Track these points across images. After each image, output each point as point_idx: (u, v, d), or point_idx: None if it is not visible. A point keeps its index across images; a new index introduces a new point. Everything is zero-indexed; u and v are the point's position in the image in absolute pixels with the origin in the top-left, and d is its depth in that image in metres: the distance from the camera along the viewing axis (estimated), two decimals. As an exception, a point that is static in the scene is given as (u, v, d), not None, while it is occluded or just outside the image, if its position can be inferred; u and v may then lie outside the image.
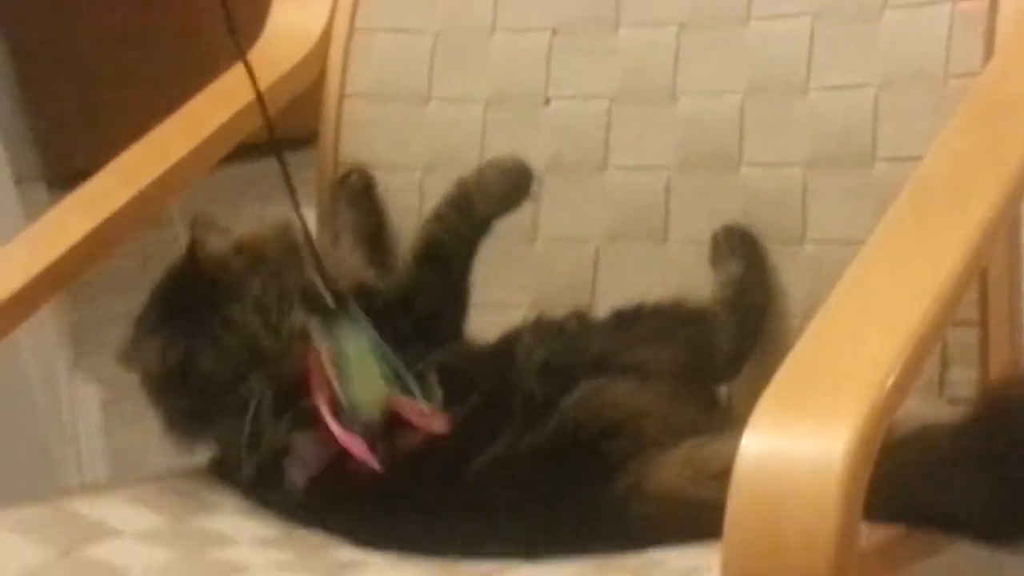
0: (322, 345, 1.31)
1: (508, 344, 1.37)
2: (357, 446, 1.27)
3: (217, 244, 1.40)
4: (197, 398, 1.37)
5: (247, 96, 1.40)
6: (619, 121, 1.51)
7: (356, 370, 1.30)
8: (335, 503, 1.32)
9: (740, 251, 1.43)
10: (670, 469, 1.24)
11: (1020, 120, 1.24)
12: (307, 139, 1.69)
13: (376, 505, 1.30)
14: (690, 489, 1.22)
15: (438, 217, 1.46)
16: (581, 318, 1.40)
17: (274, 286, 1.37)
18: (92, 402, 2.57)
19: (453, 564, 1.25)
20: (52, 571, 1.24)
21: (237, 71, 1.60)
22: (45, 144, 3.32)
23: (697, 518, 1.18)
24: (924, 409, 1.29)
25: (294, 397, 1.31)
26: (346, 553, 1.30)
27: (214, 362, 1.36)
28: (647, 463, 1.24)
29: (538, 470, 1.26)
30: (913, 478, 1.16)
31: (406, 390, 1.30)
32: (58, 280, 1.44)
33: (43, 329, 2.38)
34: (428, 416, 1.29)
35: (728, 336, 1.40)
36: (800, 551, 0.90)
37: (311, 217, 1.65)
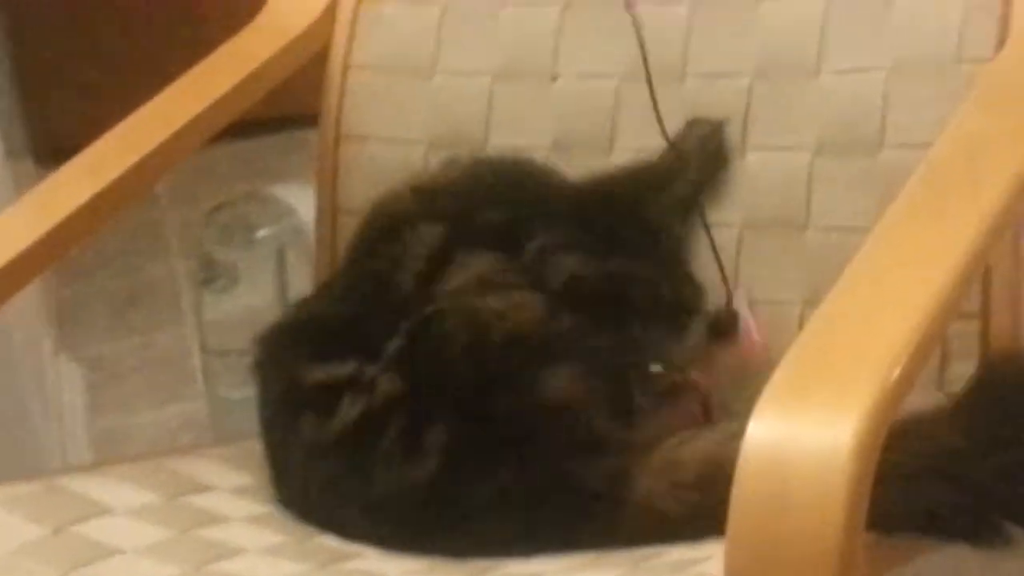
0: None
1: None
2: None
3: None
4: None
5: (247, 68, 1.39)
6: (626, 100, 1.50)
7: None
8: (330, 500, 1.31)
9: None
10: (647, 479, 1.22)
11: (1033, 107, 1.23)
12: (305, 118, 1.68)
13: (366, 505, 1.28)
14: (669, 503, 1.20)
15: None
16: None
17: None
18: (77, 382, 2.56)
19: (443, 560, 1.24)
20: (44, 548, 1.23)
21: (236, 43, 1.59)
22: (34, 119, 3.30)
23: (679, 531, 1.17)
24: (923, 403, 1.28)
25: None
26: (338, 541, 1.29)
27: None
28: (627, 468, 1.22)
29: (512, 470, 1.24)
30: (902, 482, 1.15)
31: None
32: (56, 249, 1.42)
33: (29, 307, 2.36)
34: None
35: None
36: (806, 541, 0.89)
37: (309, 195, 1.64)
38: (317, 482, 1.30)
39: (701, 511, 1.17)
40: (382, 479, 1.25)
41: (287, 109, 1.99)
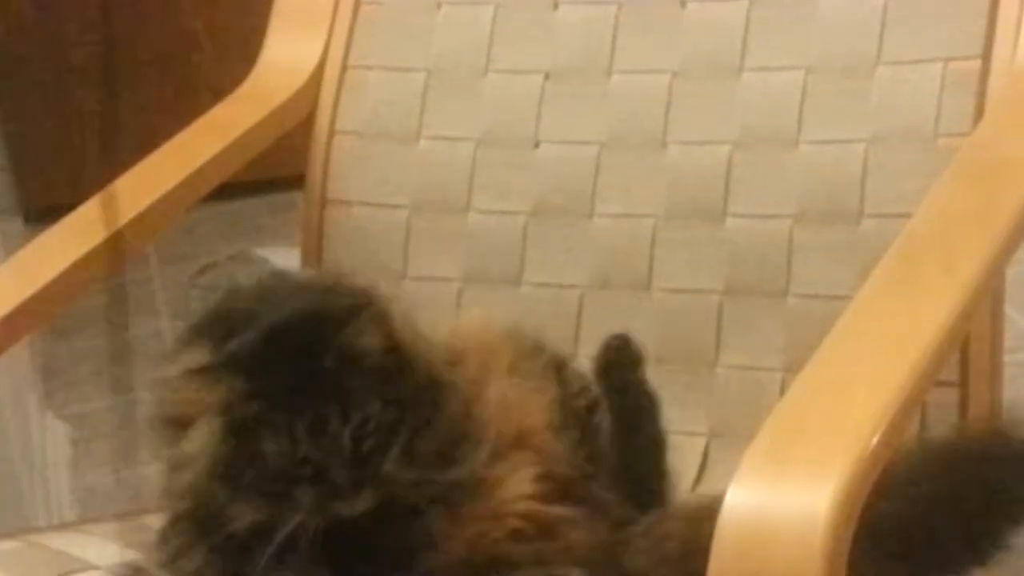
0: None
1: None
2: None
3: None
4: None
5: (236, 131, 1.40)
6: (608, 168, 1.51)
7: None
8: None
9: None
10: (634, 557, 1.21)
11: (1009, 182, 1.24)
12: (294, 180, 1.69)
13: None
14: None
15: None
16: None
17: None
18: (61, 439, 2.56)
19: None
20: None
21: (226, 106, 1.60)
22: (23, 178, 3.31)
23: None
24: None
25: None
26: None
27: None
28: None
29: None
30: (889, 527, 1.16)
31: None
32: (44, 309, 1.42)
33: (15, 363, 2.37)
34: None
35: None
36: (784, 608, 0.89)
37: (294, 257, 1.65)
38: None
39: None
40: None
41: (274, 172, 2.00)
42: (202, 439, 1.12)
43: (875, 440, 0.97)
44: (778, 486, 0.96)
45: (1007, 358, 1.40)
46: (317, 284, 1.26)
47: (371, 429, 1.10)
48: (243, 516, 1.10)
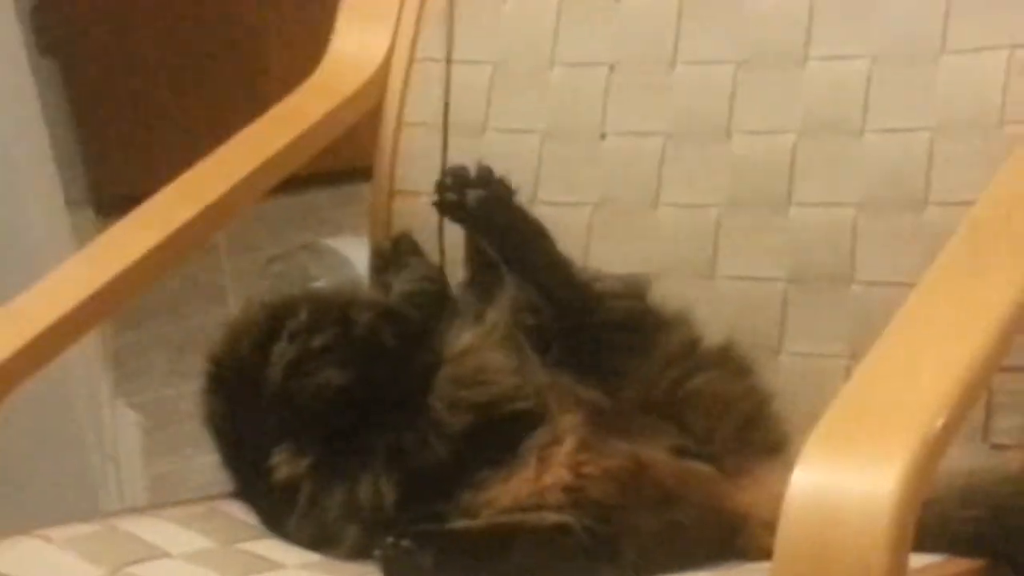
0: None
1: None
2: None
3: None
4: None
5: (306, 122, 1.41)
6: (672, 158, 1.52)
7: None
8: None
9: None
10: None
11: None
12: (360, 172, 1.71)
13: None
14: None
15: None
16: None
17: None
18: (133, 427, 2.59)
19: None
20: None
21: (296, 97, 1.62)
22: (95, 169, 3.34)
23: None
24: (968, 454, 1.29)
25: None
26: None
27: None
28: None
29: None
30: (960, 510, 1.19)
31: None
32: (115, 299, 1.45)
33: (87, 352, 2.39)
34: None
35: None
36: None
37: (363, 247, 1.66)
38: None
39: None
40: None
41: (342, 163, 2.02)
42: None
43: (940, 423, 0.98)
44: (843, 468, 0.97)
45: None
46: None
47: None
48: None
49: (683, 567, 1.26)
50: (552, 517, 1.25)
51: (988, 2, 1.41)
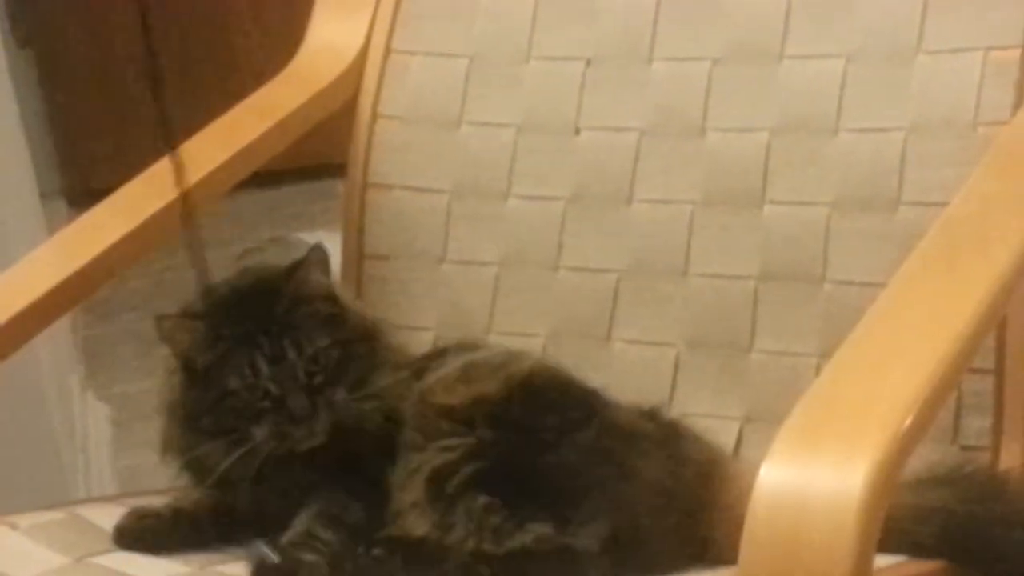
0: None
1: None
2: None
3: None
4: None
5: (280, 112, 1.41)
6: (647, 154, 1.52)
7: None
8: None
9: None
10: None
11: (1047, 169, 1.25)
12: (334, 168, 1.70)
13: None
14: None
15: None
16: None
17: None
18: (102, 419, 2.58)
19: None
20: (65, 576, 1.24)
21: (270, 88, 1.62)
22: (67, 161, 3.34)
23: None
24: (937, 455, 1.30)
25: None
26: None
27: None
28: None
29: None
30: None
31: None
32: (84, 287, 1.44)
33: (58, 345, 2.39)
34: None
35: None
36: (816, 584, 0.90)
37: (335, 241, 1.66)
38: None
39: None
40: None
41: (315, 159, 2.02)
42: (170, 389, 1.41)
43: (909, 420, 0.98)
44: (812, 464, 0.97)
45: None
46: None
47: (322, 363, 1.29)
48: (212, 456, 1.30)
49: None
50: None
51: (964, 4, 1.41)
